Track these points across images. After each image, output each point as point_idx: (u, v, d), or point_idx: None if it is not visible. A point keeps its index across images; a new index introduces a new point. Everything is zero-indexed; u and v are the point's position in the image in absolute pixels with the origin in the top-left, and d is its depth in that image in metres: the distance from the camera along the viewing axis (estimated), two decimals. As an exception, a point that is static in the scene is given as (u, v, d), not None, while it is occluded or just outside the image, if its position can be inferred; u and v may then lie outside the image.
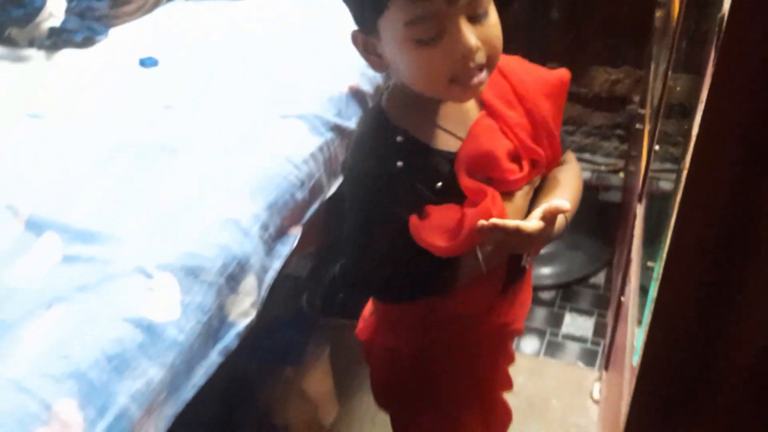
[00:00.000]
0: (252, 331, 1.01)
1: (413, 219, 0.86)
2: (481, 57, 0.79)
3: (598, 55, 2.22)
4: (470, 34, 0.78)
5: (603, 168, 2.43)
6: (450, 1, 0.76)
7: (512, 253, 0.97)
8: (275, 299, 1.05)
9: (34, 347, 0.80)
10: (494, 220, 0.80)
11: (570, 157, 1.01)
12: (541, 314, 1.98)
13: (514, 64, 0.93)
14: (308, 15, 1.53)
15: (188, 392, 0.90)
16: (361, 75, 1.29)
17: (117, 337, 0.81)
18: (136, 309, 0.84)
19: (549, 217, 0.83)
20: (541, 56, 2.16)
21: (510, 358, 1.21)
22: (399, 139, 0.87)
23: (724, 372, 0.66)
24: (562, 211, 0.83)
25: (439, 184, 0.87)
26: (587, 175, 2.42)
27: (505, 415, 1.28)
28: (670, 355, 0.68)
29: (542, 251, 1.78)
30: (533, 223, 0.82)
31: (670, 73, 1.18)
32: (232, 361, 0.98)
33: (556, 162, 0.96)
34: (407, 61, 0.81)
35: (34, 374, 0.76)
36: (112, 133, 1.16)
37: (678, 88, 1.14)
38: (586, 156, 2.45)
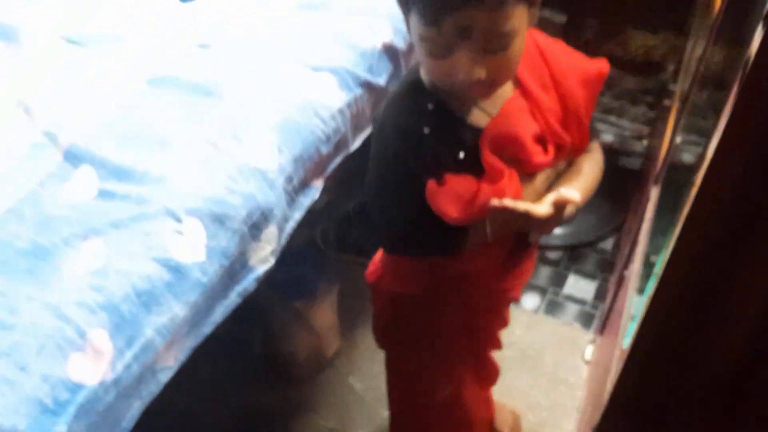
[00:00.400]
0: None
1: (431, 184, 0.88)
2: (483, 83, 0.82)
3: (638, 18, 2.15)
4: (477, 66, 0.80)
5: (627, 133, 2.39)
6: (461, 34, 0.77)
7: (520, 231, 1.01)
8: (291, 232, 1.09)
9: (71, 276, 0.84)
10: (506, 202, 0.82)
11: (595, 146, 1.02)
12: (545, 273, 2.00)
13: (556, 48, 0.93)
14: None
15: (207, 327, 0.94)
16: (396, 32, 1.27)
17: (147, 274, 0.85)
18: (165, 250, 0.88)
19: (559, 204, 0.86)
20: (580, 13, 2.13)
21: (503, 323, 1.25)
22: (430, 106, 0.89)
23: (707, 369, 0.68)
24: (572, 202, 0.86)
25: (462, 154, 0.89)
26: (610, 138, 2.38)
27: (493, 370, 1.35)
28: (657, 348, 0.70)
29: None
30: (542, 207, 0.84)
31: (709, 48, 1.16)
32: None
33: (582, 149, 0.98)
34: (421, 59, 0.86)
35: (71, 302, 0.80)
36: (149, 68, 1.16)
37: (715, 61, 1.11)
38: (612, 119, 2.40)
